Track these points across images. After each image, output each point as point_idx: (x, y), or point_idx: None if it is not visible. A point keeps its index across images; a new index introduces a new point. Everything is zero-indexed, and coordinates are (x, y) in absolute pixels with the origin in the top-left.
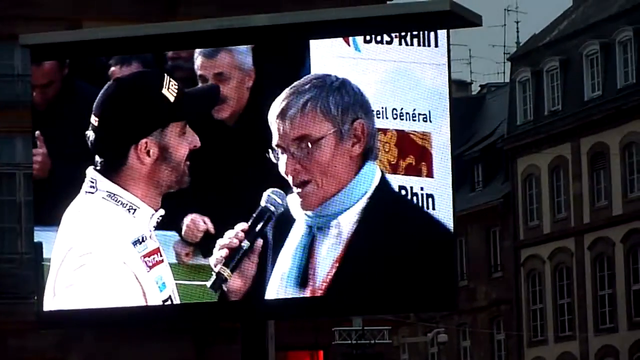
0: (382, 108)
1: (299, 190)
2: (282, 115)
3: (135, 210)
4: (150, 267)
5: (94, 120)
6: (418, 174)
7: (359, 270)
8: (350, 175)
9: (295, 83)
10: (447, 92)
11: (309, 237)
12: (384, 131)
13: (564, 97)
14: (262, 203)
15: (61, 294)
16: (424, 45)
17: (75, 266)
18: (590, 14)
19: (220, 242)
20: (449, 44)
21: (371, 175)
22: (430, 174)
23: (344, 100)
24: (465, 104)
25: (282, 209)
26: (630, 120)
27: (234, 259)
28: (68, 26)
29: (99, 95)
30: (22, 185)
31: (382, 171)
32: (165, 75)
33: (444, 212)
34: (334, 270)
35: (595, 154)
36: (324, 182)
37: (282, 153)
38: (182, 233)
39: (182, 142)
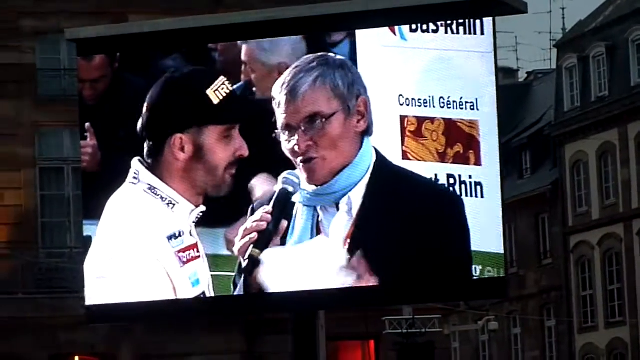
0: (430, 97)
1: (306, 165)
2: (293, 93)
3: (174, 205)
4: (185, 263)
5: (145, 109)
6: (466, 162)
7: (371, 249)
8: (355, 150)
9: (298, 63)
10: (494, 80)
11: (314, 219)
12: (432, 120)
13: (611, 83)
14: (280, 185)
15: (91, 285)
16: (469, 33)
17: (108, 257)
18: None
19: (244, 228)
20: (494, 32)
21: (369, 150)
22: (478, 162)
23: (347, 77)
24: (512, 91)
25: (299, 188)
26: None
27: (263, 241)
28: (113, 20)
29: (154, 85)
30: (70, 180)
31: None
32: (221, 77)
33: (492, 199)
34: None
35: None
36: (332, 156)
37: (291, 132)
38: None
39: (223, 147)
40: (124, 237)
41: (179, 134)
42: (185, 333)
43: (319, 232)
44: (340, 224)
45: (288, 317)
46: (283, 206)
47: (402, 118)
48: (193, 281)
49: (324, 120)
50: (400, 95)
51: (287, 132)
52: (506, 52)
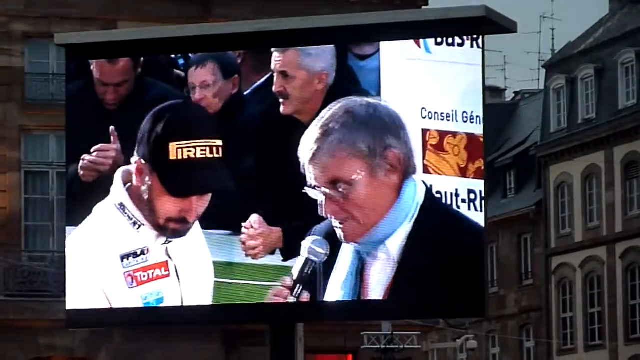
0: (453, 111)
1: (341, 226)
2: (313, 159)
3: (140, 226)
4: (140, 283)
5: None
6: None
7: (410, 285)
8: (390, 203)
9: (326, 117)
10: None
11: (358, 263)
12: (454, 134)
13: (598, 105)
14: (304, 254)
15: (72, 289)
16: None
17: (79, 265)
18: (626, 22)
19: (270, 292)
20: (483, 50)
21: (413, 194)
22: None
23: (371, 133)
24: (498, 111)
25: (326, 258)
26: None
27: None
28: (103, 26)
29: (156, 107)
30: (55, 183)
31: (425, 184)
32: (198, 140)
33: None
34: (388, 294)
35: (628, 163)
36: (363, 217)
37: (319, 191)
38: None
39: (171, 201)
40: (88, 249)
41: (141, 159)
42: (164, 341)
43: (363, 277)
44: (380, 270)
45: (266, 329)
46: (307, 276)
47: (424, 132)
48: (150, 301)
49: (345, 185)
50: (423, 108)
51: (312, 192)
52: (494, 70)
